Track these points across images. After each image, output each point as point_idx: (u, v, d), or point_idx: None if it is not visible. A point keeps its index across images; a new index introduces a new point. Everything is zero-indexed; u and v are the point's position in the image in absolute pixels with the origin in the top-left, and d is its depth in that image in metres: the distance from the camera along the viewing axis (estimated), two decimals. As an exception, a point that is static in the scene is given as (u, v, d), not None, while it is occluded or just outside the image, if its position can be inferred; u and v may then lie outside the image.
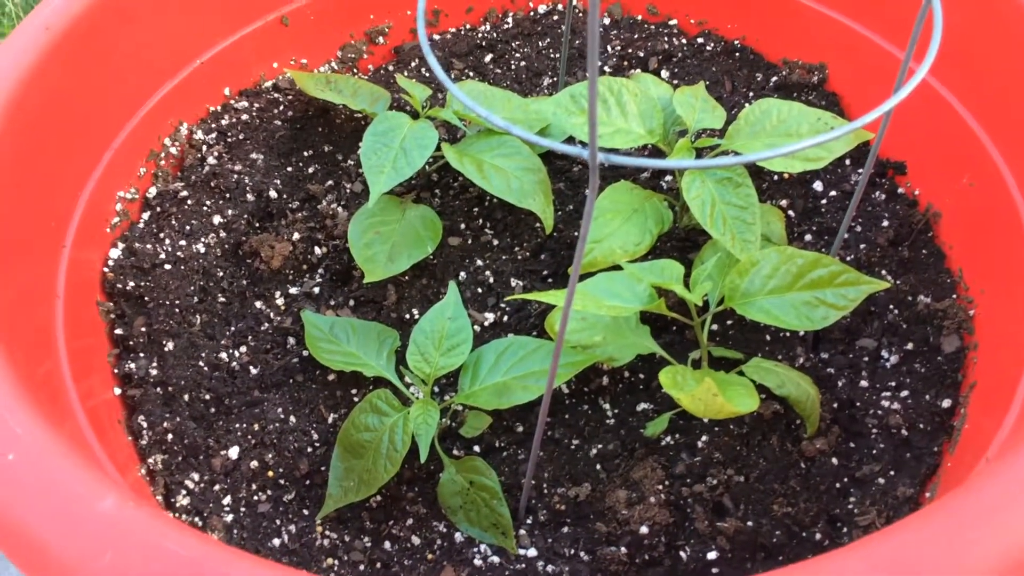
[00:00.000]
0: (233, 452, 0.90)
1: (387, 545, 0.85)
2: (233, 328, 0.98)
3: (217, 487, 0.88)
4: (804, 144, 0.60)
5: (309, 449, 0.91)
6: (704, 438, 0.89)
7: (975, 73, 0.98)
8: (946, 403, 0.88)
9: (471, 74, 1.24)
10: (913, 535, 0.53)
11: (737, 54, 1.24)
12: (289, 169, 1.12)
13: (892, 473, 0.86)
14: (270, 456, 0.90)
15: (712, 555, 0.82)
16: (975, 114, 0.98)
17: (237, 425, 0.92)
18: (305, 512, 0.87)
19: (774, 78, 1.20)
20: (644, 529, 0.83)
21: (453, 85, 0.63)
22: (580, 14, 1.29)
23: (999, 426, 0.75)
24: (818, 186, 1.08)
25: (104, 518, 0.55)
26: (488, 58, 1.26)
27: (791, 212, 1.05)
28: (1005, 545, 0.52)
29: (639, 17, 1.30)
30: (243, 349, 0.97)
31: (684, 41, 1.26)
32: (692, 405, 0.73)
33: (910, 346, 0.93)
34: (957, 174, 0.99)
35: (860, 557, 0.53)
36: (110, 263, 1.00)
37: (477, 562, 0.83)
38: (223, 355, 0.96)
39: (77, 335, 0.90)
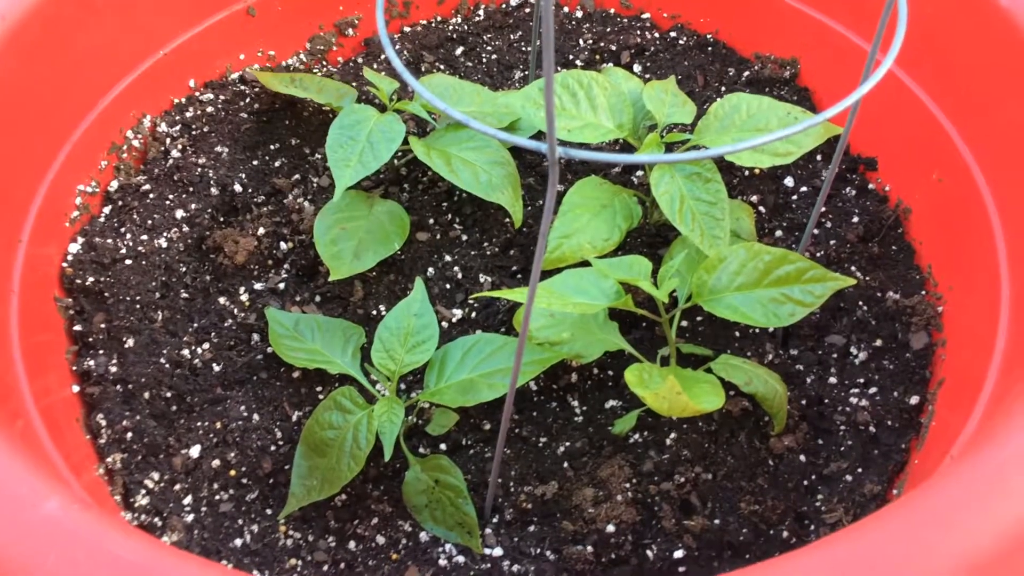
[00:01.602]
0: (194, 451, 0.88)
1: (351, 545, 0.84)
2: (196, 324, 0.97)
3: (178, 486, 0.87)
4: (769, 138, 0.60)
5: (272, 448, 0.89)
6: (672, 435, 0.88)
7: (946, 69, 0.98)
8: (914, 400, 0.88)
9: (442, 67, 1.23)
10: (875, 535, 0.53)
11: (710, 48, 1.23)
12: (255, 163, 1.10)
13: (860, 470, 0.85)
14: (232, 455, 0.88)
15: (679, 554, 0.81)
16: (945, 110, 0.98)
17: (199, 423, 0.90)
18: (268, 512, 0.86)
19: (746, 72, 1.19)
20: (611, 528, 0.82)
21: (411, 77, 0.62)
22: (552, 6, 1.28)
23: (965, 423, 0.75)
24: (789, 182, 1.07)
25: (48, 520, 0.54)
26: (459, 51, 1.25)
27: (762, 208, 1.05)
28: (966, 546, 0.52)
29: (612, 10, 1.29)
30: (206, 346, 0.95)
31: (657, 35, 1.25)
32: (657, 403, 0.72)
33: (879, 343, 0.93)
34: (927, 170, 0.99)
35: (822, 557, 0.53)
36: (69, 258, 0.98)
37: (442, 562, 0.82)
38: (185, 352, 0.94)
39: (33, 332, 0.88)
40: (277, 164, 1.10)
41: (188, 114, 1.13)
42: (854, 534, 0.54)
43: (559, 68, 1.21)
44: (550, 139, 0.53)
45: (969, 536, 0.52)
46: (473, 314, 0.98)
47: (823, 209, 1.03)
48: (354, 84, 1.19)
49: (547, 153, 0.54)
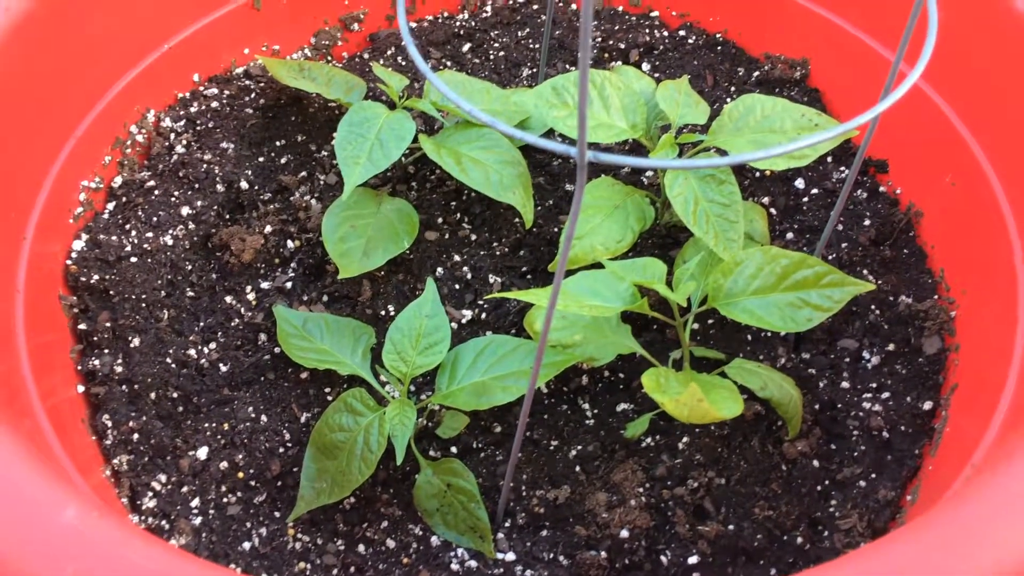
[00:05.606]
0: (202, 452, 0.87)
1: (361, 548, 0.83)
2: (202, 324, 0.95)
3: (185, 489, 0.85)
4: (798, 145, 0.59)
5: (281, 450, 0.88)
6: (685, 439, 0.88)
7: (960, 70, 0.97)
8: (927, 405, 0.88)
9: (448, 64, 1.22)
10: (905, 548, 0.52)
11: (719, 48, 1.22)
12: (261, 159, 1.09)
13: (873, 476, 0.85)
14: (240, 457, 0.87)
15: (693, 559, 0.80)
16: (959, 112, 0.97)
17: (206, 424, 0.89)
18: (276, 514, 0.85)
19: (756, 73, 1.18)
20: (624, 533, 0.81)
21: (435, 76, 0.60)
22: (560, 3, 1.27)
23: (984, 430, 0.74)
24: (800, 184, 1.06)
25: (67, 530, 0.52)
26: (466, 47, 1.24)
27: (773, 210, 1.04)
28: (1002, 555, 0.52)
29: (620, 8, 1.28)
30: (212, 346, 0.94)
31: (666, 34, 1.24)
32: (676, 410, 0.72)
33: (891, 347, 0.93)
34: (939, 173, 0.99)
35: (856, 569, 0.52)
36: (73, 255, 0.96)
37: (454, 566, 0.81)
38: (191, 352, 0.93)
39: (38, 331, 0.86)
40: (283, 161, 1.09)
41: (193, 109, 1.12)
42: (883, 549, 0.53)
43: (568, 68, 1.20)
44: (581, 143, 0.52)
45: (1000, 552, 0.52)
46: (483, 315, 0.97)
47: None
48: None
49: (576, 156, 0.53)
